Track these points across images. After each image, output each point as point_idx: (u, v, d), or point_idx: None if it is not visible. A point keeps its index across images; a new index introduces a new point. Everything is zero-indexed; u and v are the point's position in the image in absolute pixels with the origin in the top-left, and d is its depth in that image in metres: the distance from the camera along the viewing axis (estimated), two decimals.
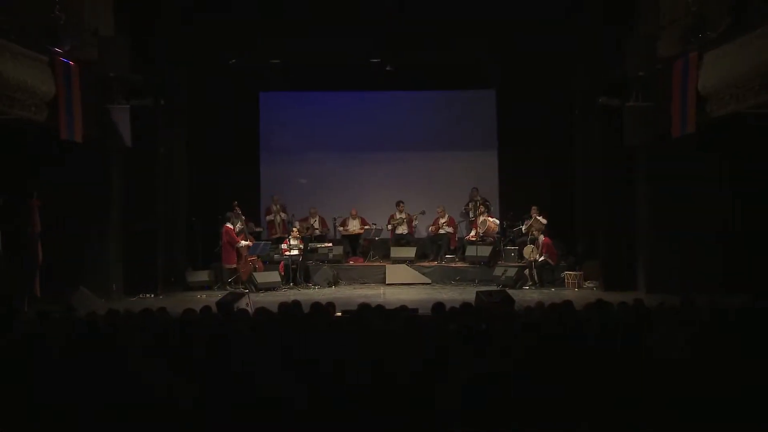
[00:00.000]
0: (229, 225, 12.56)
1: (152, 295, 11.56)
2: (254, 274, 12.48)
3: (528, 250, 12.68)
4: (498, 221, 13.92)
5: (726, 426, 4.12)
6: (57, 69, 9.20)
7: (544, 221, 13.00)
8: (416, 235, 14.56)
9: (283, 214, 14.21)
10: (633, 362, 4.65)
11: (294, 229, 13.35)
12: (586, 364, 4.63)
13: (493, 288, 11.34)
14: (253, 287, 12.20)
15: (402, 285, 12.85)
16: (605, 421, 4.18)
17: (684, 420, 4.11)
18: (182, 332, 5.45)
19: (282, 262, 12.94)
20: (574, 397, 4.27)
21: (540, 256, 12.51)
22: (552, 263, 12.53)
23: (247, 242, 12.66)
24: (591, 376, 4.46)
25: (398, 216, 14.30)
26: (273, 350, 4.96)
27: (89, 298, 10.22)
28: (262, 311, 6.27)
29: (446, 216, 14.22)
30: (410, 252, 13.71)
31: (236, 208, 12.82)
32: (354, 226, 14.42)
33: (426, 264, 13.61)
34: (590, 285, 12.22)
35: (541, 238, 12.63)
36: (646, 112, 10.52)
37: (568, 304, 6.31)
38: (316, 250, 13.52)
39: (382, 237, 14.29)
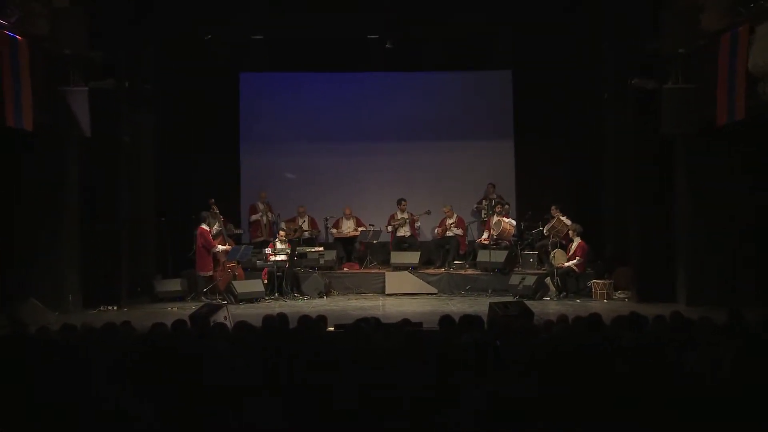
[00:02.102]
0: (204, 226, 12.53)
1: (115, 308, 11.52)
2: (233, 283, 12.46)
3: (559, 255, 12.66)
4: (514, 222, 13.91)
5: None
6: (1, 44, 9.16)
7: (569, 222, 12.99)
8: (420, 238, 14.55)
9: (270, 214, 14.21)
10: (665, 381, 4.68)
11: (280, 231, 13.32)
12: (615, 385, 4.66)
13: (509, 299, 11.31)
14: (232, 298, 12.18)
15: (404, 295, 12.86)
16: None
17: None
18: (150, 350, 5.42)
19: (266, 269, 12.91)
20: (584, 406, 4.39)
21: (570, 261, 12.48)
22: (578, 271, 12.51)
23: (225, 246, 12.64)
24: (617, 395, 4.53)
25: (400, 216, 14.28)
26: (254, 371, 4.95)
27: (40, 311, 10.19)
28: (242, 326, 6.25)
29: (454, 216, 14.21)
30: (413, 257, 13.69)
31: (213, 206, 12.79)
32: (348, 227, 14.41)
33: (431, 271, 13.60)
34: (621, 295, 12.23)
35: (577, 240, 12.61)
36: (686, 95, 10.51)
37: (595, 317, 6.29)
38: (305, 255, 13.50)
39: (380, 240, 14.28)
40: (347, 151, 15.04)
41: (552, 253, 12.83)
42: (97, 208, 11.67)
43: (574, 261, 12.51)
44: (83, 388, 4.57)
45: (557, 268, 12.53)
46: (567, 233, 12.91)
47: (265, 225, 14.17)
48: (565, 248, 12.86)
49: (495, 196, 14.32)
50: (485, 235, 13.91)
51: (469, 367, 4.99)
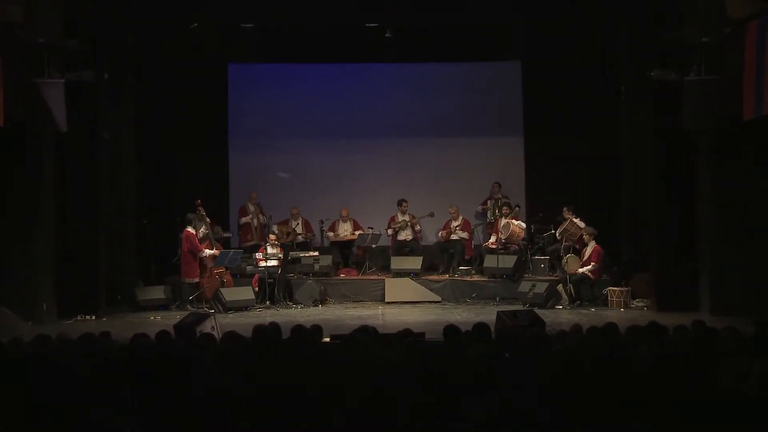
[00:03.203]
0: (190, 229, 12.53)
1: (93, 317, 11.51)
2: (221, 290, 12.45)
3: (572, 261, 12.66)
4: (524, 225, 13.91)
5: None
6: None
7: (583, 224, 12.99)
8: (423, 242, 14.54)
9: (261, 216, 14.20)
10: (683, 391, 4.70)
11: (271, 235, 13.32)
12: (628, 393, 4.68)
13: (519, 307, 11.34)
14: (220, 306, 12.16)
15: (405, 303, 12.87)
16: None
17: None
18: (131, 363, 5.41)
19: (256, 276, 12.91)
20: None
21: (584, 267, 12.47)
22: (592, 278, 12.50)
23: (212, 251, 12.64)
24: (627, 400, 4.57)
25: (401, 218, 14.27)
26: (244, 385, 4.94)
27: (12, 321, 10.18)
28: (231, 336, 6.24)
29: (460, 218, 14.20)
30: (415, 263, 13.69)
31: (199, 208, 12.79)
32: (345, 230, 14.40)
33: (435, 278, 13.59)
34: (640, 304, 12.24)
35: (592, 244, 12.60)
36: (710, 88, 10.51)
37: (612, 327, 6.29)
38: (298, 260, 13.49)
39: (380, 244, 14.27)
40: (344, 149, 15.03)
41: (564, 258, 12.82)
42: (75, 209, 11.65)
43: (589, 267, 12.50)
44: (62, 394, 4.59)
45: (570, 275, 12.52)
46: (581, 237, 12.89)
47: (255, 228, 14.17)
48: (578, 253, 12.85)
49: (500, 196, 14.31)
50: (493, 239, 13.89)
51: (475, 380, 4.99)
